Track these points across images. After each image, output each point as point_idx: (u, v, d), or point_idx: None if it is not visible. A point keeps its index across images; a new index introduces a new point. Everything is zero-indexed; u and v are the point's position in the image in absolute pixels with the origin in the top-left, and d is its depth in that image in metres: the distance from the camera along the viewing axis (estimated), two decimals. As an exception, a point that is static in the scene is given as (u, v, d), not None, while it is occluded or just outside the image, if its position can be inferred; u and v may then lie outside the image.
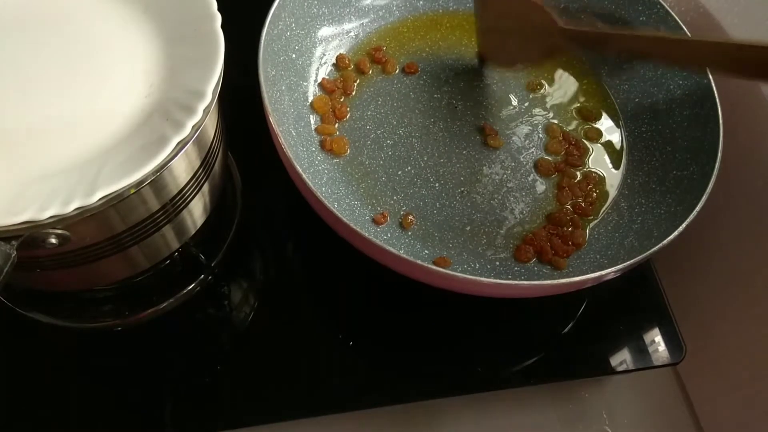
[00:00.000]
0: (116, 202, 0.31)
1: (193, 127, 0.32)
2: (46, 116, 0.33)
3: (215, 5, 0.37)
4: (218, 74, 0.34)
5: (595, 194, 0.49)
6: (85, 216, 0.30)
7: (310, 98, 0.51)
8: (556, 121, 0.53)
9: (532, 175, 0.50)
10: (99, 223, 0.33)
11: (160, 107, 0.33)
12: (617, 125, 0.53)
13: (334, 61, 0.53)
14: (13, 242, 0.29)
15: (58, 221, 0.29)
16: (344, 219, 0.39)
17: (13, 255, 0.29)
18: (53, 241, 0.31)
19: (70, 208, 0.29)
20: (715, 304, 0.50)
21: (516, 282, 0.43)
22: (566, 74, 0.55)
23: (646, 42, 0.44)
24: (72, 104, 0.33)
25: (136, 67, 0.35)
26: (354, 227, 0.38)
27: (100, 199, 0.30)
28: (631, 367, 0.47)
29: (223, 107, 0.39)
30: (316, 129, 0.50)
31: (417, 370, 0.46)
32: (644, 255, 0.39)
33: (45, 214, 0.29)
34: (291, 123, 0.48)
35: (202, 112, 0.33)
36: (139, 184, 0.31)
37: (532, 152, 0.51)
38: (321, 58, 0.53)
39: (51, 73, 0.34)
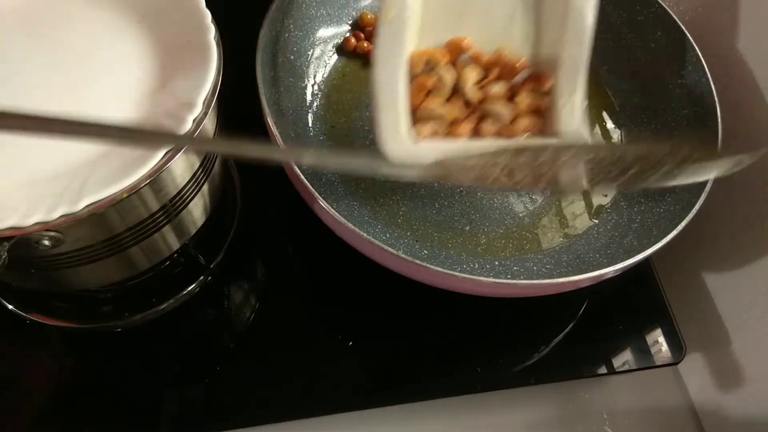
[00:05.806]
0: (103, 209, 0.30)
1: None
2: None
3: (210, 17, 0.37)
4: (210, 85, 0.34)
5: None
6: (74, 221, 0.30)
7: (309, 99, 0.51)
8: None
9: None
10: (97, 224, 0.33)
11: (150, 116, 0.33)
12: (617, 125, 0.53)
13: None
14: (5, 243, 0.29)
15: (45, 227, 0.29)
16: (343, 220, 0.39)
17: (4, 256, 0.29)
18: (46, 243, 0.31)
19: (56, 215, 0.29)
20: (715, 304, 0.50)
21: (516, 281, 0.43)
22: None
23: None
24: (63, 109, 0.33)
25: (129, 75, 0.35)
26: (353, 228, 0.38)
27: (86, 207, 0.30)
28: (631, 366, 0.47)
29: (222, 108, 0.39)
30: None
31: (417, 370, 0.46)
32: (643, 254, 0.39)
33: (29, 221, 0.29)
34: (289, 124, 0.48)
35: (192, 123, 0.33)
36: (127, 191, 0.31)
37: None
38: (319, 60, 0.53)
39: (43, 78, 0.34)
